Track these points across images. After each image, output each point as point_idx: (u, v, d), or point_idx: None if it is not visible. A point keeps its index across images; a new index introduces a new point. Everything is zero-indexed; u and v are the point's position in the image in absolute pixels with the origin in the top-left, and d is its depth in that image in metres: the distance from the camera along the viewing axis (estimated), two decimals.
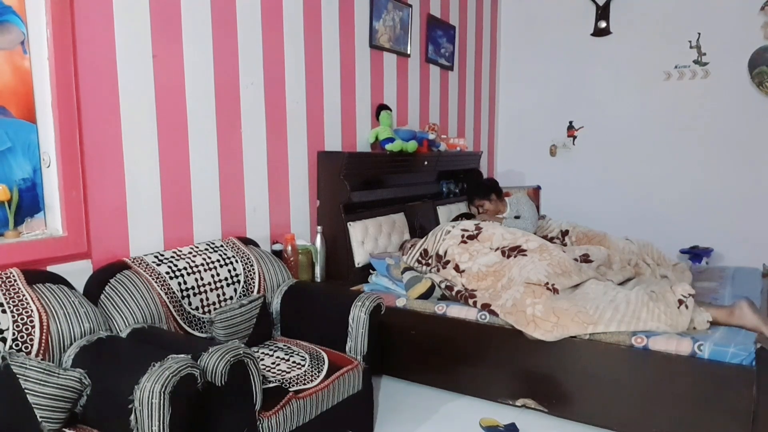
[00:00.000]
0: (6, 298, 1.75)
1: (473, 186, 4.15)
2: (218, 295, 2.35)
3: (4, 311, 1.72)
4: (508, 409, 2.68)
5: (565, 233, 3.72)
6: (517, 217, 3.78)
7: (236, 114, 2.77)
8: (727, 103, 4.40)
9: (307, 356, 2.24)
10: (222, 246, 2.51)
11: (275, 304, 2.55)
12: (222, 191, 2.71)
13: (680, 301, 2.42)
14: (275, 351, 2.30)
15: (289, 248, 2.89)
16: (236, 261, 2.49)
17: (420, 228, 3.80)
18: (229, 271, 2.44)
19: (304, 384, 2.06)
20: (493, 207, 3.92)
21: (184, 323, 2.20)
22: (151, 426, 1.51)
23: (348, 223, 3.22)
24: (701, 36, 4.44)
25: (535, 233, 3.59)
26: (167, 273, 2.22)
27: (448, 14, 4.57)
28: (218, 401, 1.74)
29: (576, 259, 3.09)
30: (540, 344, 2.52)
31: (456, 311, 2.80)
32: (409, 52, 4.05)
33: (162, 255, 2.30)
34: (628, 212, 4.81)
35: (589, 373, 2.47)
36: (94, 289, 2.04)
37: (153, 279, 2.16)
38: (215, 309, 2.31)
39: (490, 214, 3.90)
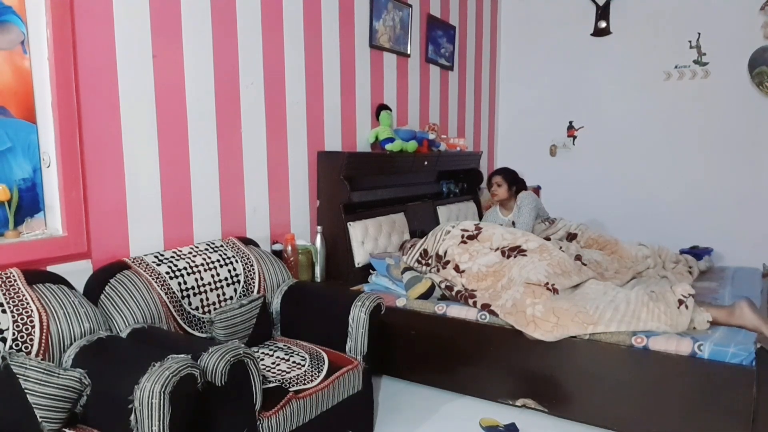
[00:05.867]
0: (6, 298, 1.75)
1: (506, 168, 4.05)
2: (218, 295, 2.35)
3: (4, 311, 1.72)
4: (508, 409, 2.68)
5: (573, 236, 3.67)
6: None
7: (236, 114, 2.77)
8: (727, 103, 4.40)
9: (307, 356, 2.24)
10: (222, 246, 2.51)
11: (275, 304, 2.55)
12: (222, 191, 2.71)
13: (680, 301, 2.42)
14: (275, 351, 2.30)
15: (289, 248, 2.89)
16: (236, 261, 2.49)
17: (420, 229, 3.79)
18: (229, 271, 2.44)
19: (304, 384, 2.06)
20: (505, 195, 3.87)
21: (184, 323, 2.20)
22: (151, 426, 1.51)
23: (348, 223, 3.22)
24: (701, 36, 4.44)
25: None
26: (167, 273, 2.22)
27: (448, 14, 4.57)
28: (218, 401, 1.74)
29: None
30: (540, 344, 2.52)
31: (456, 311, 2.80)
32: (409, 52, 4.05)
33: (162, 255, 2.30)
34: (628, 212, 4.81)
35: (589, 373, 2.47)
36: (94, 289, 2.04)
37: (153, 279, 2.16)
38: (215, 309, 2.31)
39: (497, 198, 3.89)
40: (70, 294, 1.90)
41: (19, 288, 1.80)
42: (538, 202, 3.89)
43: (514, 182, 3.91)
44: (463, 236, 3.16)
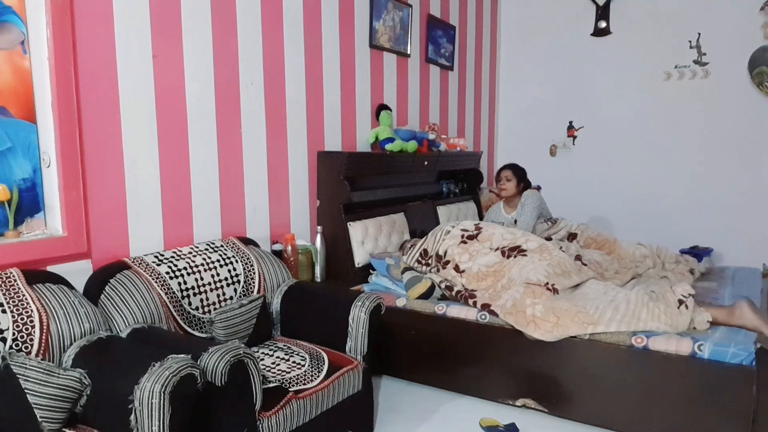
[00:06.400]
0: (6, 298, 1.75)
1: (516, 164, 3.98)
2: (218, 295, 2.35)
3: (4, 311, 1.72)
4: (508, 409, 2.68)
5: (573, 236, 3.66)
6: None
7: (236, 114, 2.77)
8: (727, 103, 4.40)
9: (307, 356, 2.24)
10: (222, 246, 2.51)
11: (275, 304, 2.55)
12: (222, 191, 2.71)
13: (680, 301, 2.42)
14: (275, 351, 2.30)
15: (289, 248, 2.89)
16: (236, 261, 2.49)
17: (420, 229, 3.79)
18: (229, 271, 2.44)
19: (304, 384, 2.06)
20: (513, 191, 3.84)
21: (184, 323, 2.20)
22: (151, 426, 1.51)
23: (348, 223, 3.22)
24: (701, 36, 4.45)
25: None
26: (167, 273, 2.22)
27: (448, 14, 4.57)
28: (218, 401, 1.74)
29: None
30: (540, 344, 2.52)
31: (456, 311, 2.80)
32: (409, 52, 4.05)
33: (162, 255, 2.30)
34: (628, 212, 4.81)
35: (589, 373, 2.47)
36: (94, 289, 2.04)
37: (153, 279, 2.16)
38: (215, 309, 2.31)
39: (505, 193, 3.86)
40: (70, 294, 1.90)
41: (19, 288, 1.80)
42: (542, 202, 3.87)
43: (523, 179, 3.88)
44: (463, 236, 3.16)
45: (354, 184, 3.34)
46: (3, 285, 1.78)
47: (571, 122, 5.11)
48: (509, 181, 3.84)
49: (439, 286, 2.96)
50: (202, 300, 2.29)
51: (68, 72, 2.03)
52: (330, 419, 2.16)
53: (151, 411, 1.50)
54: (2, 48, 1.93)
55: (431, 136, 3.96)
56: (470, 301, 2.78)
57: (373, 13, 3.62)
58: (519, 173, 3.87)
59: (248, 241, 2.67)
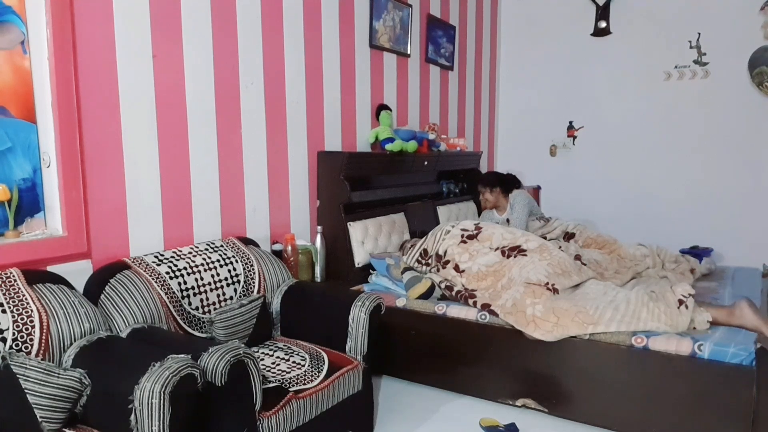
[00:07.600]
0: (6, 298, 1.75)
1: (485, 174, 4.19)
2: (218, 295, 2.35)
3: (4, 311, 1.72)
4: (508, 409, 2.68)
5: (570, 236, 3.68)
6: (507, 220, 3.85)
7: (236, 114, 2.77)
8: (727, 103, 4.40)
9: (307, 356, 2.24)
10: (222, 246, 2.51)
11: (275, 304, 2.55)
12: (222, 191, 2.71)
13: (680, 301, 2.42)
14: (275, 351, 2.30)
15: (289, 248, 2.89)
16: (236, 261, 2.49)
17: (420, 229, 3.79)
18: (229, 271, 2.44)
19: (304, 384, 2.06)
20: (493, 199, 3.98)
21: (184, 323, 2.20)
22: (151, 426, 1.51)
23: (348, 223, 3.22)
24: (701, 36, 4.45)
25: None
26: (167, 273, 2.22)
27: (448, 14, 4.57)
28: (218, 401, 1.74)
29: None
30: (540, 344, 2.52)
31: (456, 311, 2.80)
32: (409, 52, 4.05)
33: (162, 255, 2.30)
34: (628, 212, 4.81)
35: (589, 373, 2.47)
36: (94, 289, 2.04)
37: (153, 279, 2.16)
38: (215, 309, 2.31)
39: (489, 205, 4.01)
40: (70, 294, 1.90)
41: (19, 288, 1.80)
42: (531, 200, 3.98)
43: (497, 184, 3.98)
44: (462, 236, 3.16)
45: (354, 184, 3.34)
46: (3, 285, 1.78)
47: (571, 122, 5.11)
48: (483, 194, 4.01)
49: (439, 286, 2.96)
50: (202, 300, 2.29)
51: (68, 72, 2.03)
52: (330, 419, 2.16)
53: (151, 411, 1.50)
54: (2, 48, 1.93)
55: (431, 136, 3.97)
56: (470, 301, 2.78)
57: (373, 13, 3.62)
58: (489, 182, 4.00)
59: (248, 241, 2.67)
